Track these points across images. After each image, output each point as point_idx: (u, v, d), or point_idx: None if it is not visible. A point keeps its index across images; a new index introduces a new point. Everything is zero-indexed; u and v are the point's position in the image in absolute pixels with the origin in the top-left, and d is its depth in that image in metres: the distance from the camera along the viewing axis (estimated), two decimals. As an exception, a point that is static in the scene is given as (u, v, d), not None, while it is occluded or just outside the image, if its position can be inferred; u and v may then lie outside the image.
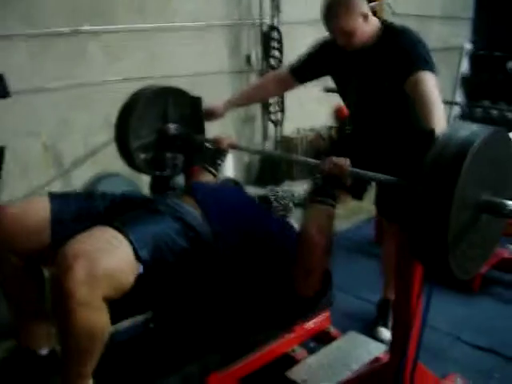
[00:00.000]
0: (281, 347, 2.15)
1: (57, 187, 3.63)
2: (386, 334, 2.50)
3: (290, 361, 2.19)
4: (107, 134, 3.24)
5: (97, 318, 1.31)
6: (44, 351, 1.66)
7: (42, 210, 1.60)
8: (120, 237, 1.38)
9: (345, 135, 2.62)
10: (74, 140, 3.66)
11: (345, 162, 1.64)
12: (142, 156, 2.21)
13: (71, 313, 1.26)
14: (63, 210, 1.62)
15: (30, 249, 1.57)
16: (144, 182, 3.75)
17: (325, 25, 2.13)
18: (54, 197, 1.66)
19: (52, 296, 1.31)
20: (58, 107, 3.52)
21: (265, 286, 1.69)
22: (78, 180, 3.74)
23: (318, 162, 1.79)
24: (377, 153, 2.22)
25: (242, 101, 2.53)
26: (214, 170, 2.10)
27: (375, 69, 2.17)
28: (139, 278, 1.39)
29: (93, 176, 3.77)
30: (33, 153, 3.49)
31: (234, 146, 2.17)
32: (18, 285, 1.62)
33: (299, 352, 2.24)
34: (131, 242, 1.37)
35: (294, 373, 2.10)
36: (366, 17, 2.10)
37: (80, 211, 1.65)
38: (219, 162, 2.12)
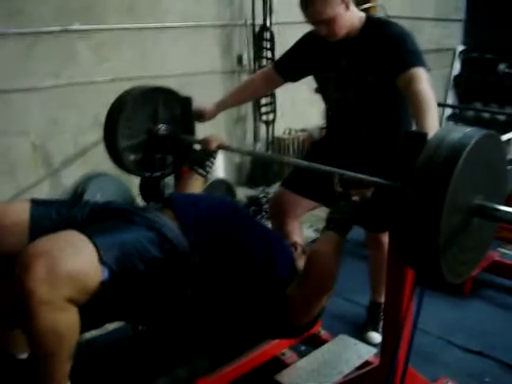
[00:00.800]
0: (270, 350, 2.14)
1: (46, 187, 3.60)
2: (376, 338, 2.49)
3: (279, 364, 2.17)
4: (97, 133, 3.20)
5: (60, 319, 1.28)
6: (23, 355, 1.62)
7: (20, 212, 1.56)
8: (85, 240, 1.35)
9: (321, 137, 2.54)
10: (63, 139, 3.63)
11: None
12: (131, 157, 2.19)
13: (33, 313, 1.23)
14: (43, 216, 1.59)
15: (6, 251, 1.52)
16: (134, 182, 3.73)
17: (303, 14, 2.05)
18: (35, 202, 1.62)
19: (14, 296, 1.27)
20: (48, 106, 3.49)
21: (249, 301, 1.65)
22: (68, 180, 3.71)
23: (307, 163, 1.78)
24: (358, 154, 2.18)
25: (232, 102, 2.49)
26: (203, 172, 2.08)
27: (358, 61, 2.11)
28: (106, 284, 1.35)
29: (82, 176, 3.74)
30: (21, 152, 3.45)
31: (223, 147, 2.14)
32: None
33: (289, 355, 2.23)
34: (95, 245, 1.35)
35: (284, 376, 2.09)
36: (347, 5, 2.02)
37: (59, 218, 1.61)
38: (208, 163, 2.09)
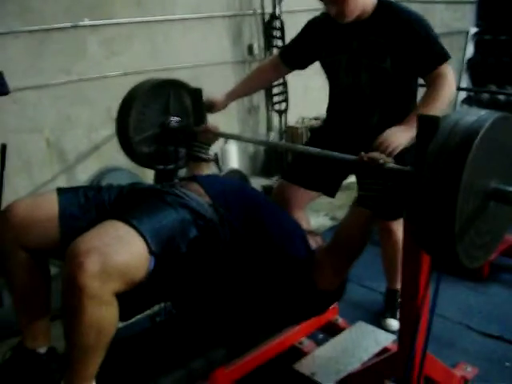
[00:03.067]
0: (288, 340, 2.14)
1: (61, 183, 3.62)
2: (394, 325, 2.47)
3: (297, 353, 2.18)
4: (110, 128, 3.23)
5: (106, 313, 1.31)
6: (43, 350, 1.64)
7: (50, 203, 1.59)
8: (131, 231, 1.36)
9: (322, 125, 2.47)
10: (76, 135, 3.65)
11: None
12: (144, 150, 2.20)
13: (82, 307, 1.26)
14: (71, 203, 1.61)
15: (39, 242, 1.56)
16: (148, 176, 3.74)
17: None
18: (61, 191, 1.65)
19: (63, 290, 1.30)
20: (60, 103, 3.51)
21: (275, 280, 1.67)
22: (82, 175, 3.73)
23: (319, 150, 1.77)
24: (368, 141, 2.05)
25: (242, 91, 2.46)
26: (203, 157, 2.11)
27: (371, 44, 2.07)
28: (152, 272, 1.38)
29: (97, 170, 3.76)
30: (36, 149, 3.48)
31: (217, 135, 2.16)
32: (25, 279, 1.60)
33: (307, 344, 2.23)
34: (143, 236, 1.36)
35: (303, 365, 2.09)
36: None
37: (87, 203, 1.64)
38: (202, 150, 2.11)
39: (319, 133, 2.48)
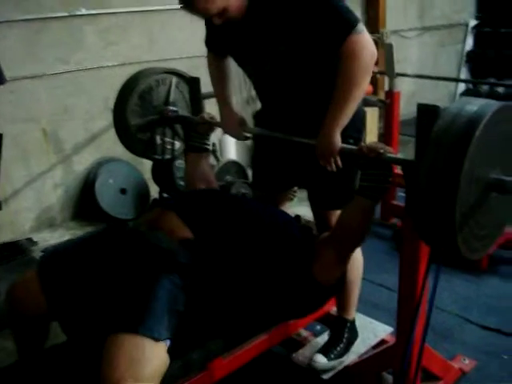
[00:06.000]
0: (286, 330, 2.13)
1: (58, 173, 3.62)
2: (323, 363, 2.02)
3: (295, 344, 2.17)
4: (107, 119, 3.21)
5: None
6: None
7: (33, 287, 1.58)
8: (148, 341, 1.36)
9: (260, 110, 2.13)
10: (73, 126, 3.63)
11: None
12: (141, 137, 2.19)
13: None
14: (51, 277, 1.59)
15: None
16: (145, 167, 3.73)
17: (189, 12, 1.74)
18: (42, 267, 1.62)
19: None
20: (57, 93, 3.48)
21: (274, 274, 1.64)
22: (79, 166, 3.72)
23: (313, 141, 1.73)
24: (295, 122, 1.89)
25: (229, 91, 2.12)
26: (202, 147, 2.04)
27: (265, 30, 1.76)
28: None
29: (94, 161, 3.74)
30: (32, 139, 3.46)
31: (214, 125, 2.04)
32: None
33: (304, 335, 2.23)
34: (157, 339, 1.37)
35: (300, 356, 2.09)
36: None
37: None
38: (203, 140, 2.05)
39: (260, 117, 2.14)
